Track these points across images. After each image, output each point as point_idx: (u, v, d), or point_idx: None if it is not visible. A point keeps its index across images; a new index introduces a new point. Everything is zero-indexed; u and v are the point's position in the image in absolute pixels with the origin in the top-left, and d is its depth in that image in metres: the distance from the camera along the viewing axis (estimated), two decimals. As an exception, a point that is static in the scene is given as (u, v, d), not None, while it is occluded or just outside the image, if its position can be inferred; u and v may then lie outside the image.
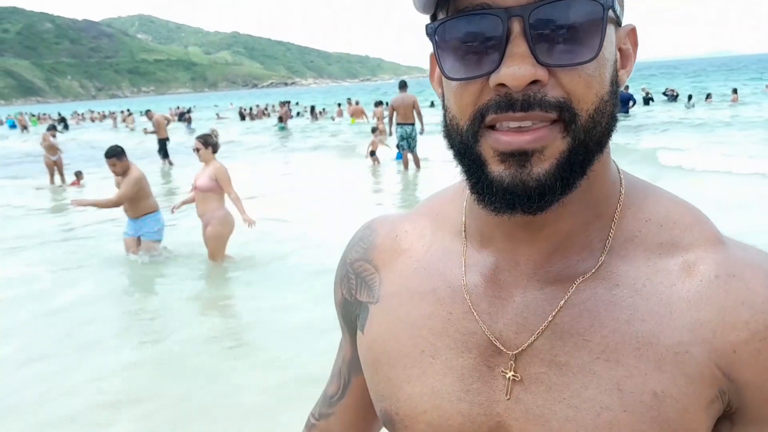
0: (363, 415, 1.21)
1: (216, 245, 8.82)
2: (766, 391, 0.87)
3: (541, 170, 0.82)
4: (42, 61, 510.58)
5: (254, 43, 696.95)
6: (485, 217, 0.95)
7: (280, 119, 37.49)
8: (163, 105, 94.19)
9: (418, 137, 16.69)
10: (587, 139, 0.84)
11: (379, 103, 31.99)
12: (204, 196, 8.65)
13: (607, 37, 0.82)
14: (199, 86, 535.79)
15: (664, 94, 40.85)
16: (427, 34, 0.87)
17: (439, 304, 1.01)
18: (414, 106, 16.50)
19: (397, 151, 18.13)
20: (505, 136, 0.82)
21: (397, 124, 16.88)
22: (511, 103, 0.80)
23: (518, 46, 0.79)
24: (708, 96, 37.22)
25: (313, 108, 48.73)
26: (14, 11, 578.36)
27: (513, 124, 0.82)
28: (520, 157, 0.82)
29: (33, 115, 75.32)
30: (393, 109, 17.15)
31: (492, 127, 0.84)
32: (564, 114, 0.82)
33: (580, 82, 0.81)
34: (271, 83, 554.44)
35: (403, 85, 17.07)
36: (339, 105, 49.82)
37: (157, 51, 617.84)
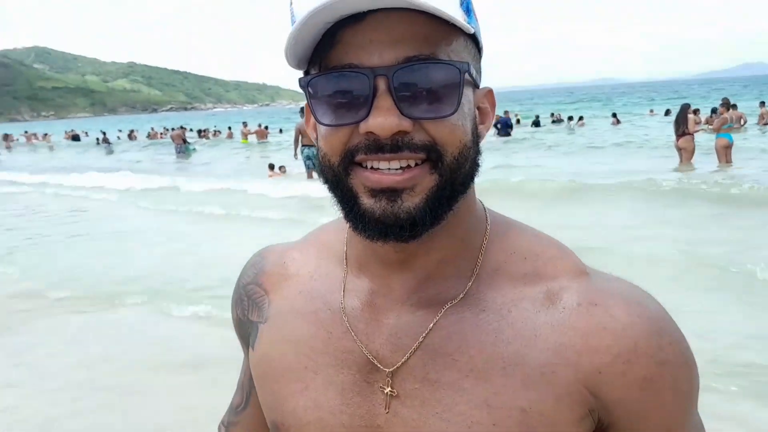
0: (265, 424, 1.18)
1: None
2: (633, 408, 0.91)
3: (412, 204, 0.87)
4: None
5: (151, 72, 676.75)
6: (362, 246, 1.01)
7: (184, 141, 35.00)
8: (62, 128, 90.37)
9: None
10: (453, 178, 0.89)
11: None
12: None
13: (464, 96, 0.89)
14: (99, 111, 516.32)
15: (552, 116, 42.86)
16: (301, 86, 0.92)
17: (320, 324, 1.06)
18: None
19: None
20: (374, 176, 0.87)
21: (303, 145, 18.09)
22: (380, 146, 0.86)
23: (384, 100, 0.84)
24: (580, 119, 39.00)
25: (200, 131, 49.67)
26: None
27: (383, 165, 0.87)
28: (390, 193, 0.87)
29: None
30: (299, 132, 18.21)
31: (361, 165, 0.89)
32: (431, 154, 0.87)
33: (444, 130, 0.87)
34: (171, 108, 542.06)
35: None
36: (230, 128, 50.41)
37: (55, 79, 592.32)
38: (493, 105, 1.02)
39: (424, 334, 0.96)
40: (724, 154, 17.78)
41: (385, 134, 0.85)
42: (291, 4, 0.91)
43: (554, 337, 0.92)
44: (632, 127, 34.51)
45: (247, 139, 40.39)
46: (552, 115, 43.35)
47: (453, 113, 0.87)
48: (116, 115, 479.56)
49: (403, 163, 0.87)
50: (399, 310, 0.99)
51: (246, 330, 1.20)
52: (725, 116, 18.66)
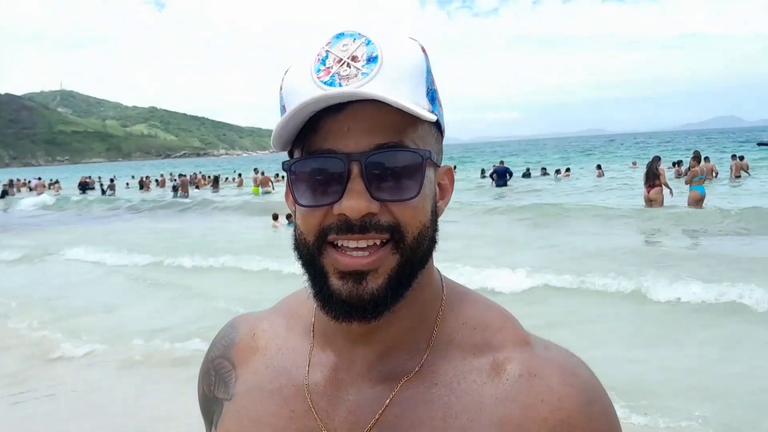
0: None
1: None
2: None
3: (375, 285, 0.93)
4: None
5: (170, 117, 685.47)
6: (328, 319, 1.00)
7: (175, 189, 37.43)
8: (76, 174, 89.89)
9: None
10: (413, 257, 0.96)
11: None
12: None
13: (426, 178, 0.96)
14: (114, 156, 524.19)
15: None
16: (284, 169, 0.99)
17: (283, 402, 1.05)
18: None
19: None
20: (344, 258, 0.94)
21: None
22: (350, 226, 0.92)
23: (357, 184, 0.91)
24: (567, 170, 41.14)
25: (216, 178, 48.42)
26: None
27: (352, 244, 0.93)
28: (357, 276, 0.93)
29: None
30: None
31: (334, 245, 0.95)
32: (395, 234, 0.94)
33: (407, 212, 0.94)
34: (184, 153, 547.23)
35: None
36: (240, 174, 50.51)
37: (76, 123, 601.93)
38: (452, 181, 1.09)
39: (380, 411, 0.98)
40: (695, 206, 18.46)
41: (356, 216, 0.91)
42: (281, 89, 1.00)
43: (497, 409, 0.95)
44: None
45: (258, 188, 38.78)
46: (542, 170, 45.01)
47: (416, 195, 0.94)
48: (131, 160, 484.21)
49: (370, 242, 0.93)
50: (360, 385, 1.01)
51: (211, 407, 1.16)
52: (696, 169, 19.07)
